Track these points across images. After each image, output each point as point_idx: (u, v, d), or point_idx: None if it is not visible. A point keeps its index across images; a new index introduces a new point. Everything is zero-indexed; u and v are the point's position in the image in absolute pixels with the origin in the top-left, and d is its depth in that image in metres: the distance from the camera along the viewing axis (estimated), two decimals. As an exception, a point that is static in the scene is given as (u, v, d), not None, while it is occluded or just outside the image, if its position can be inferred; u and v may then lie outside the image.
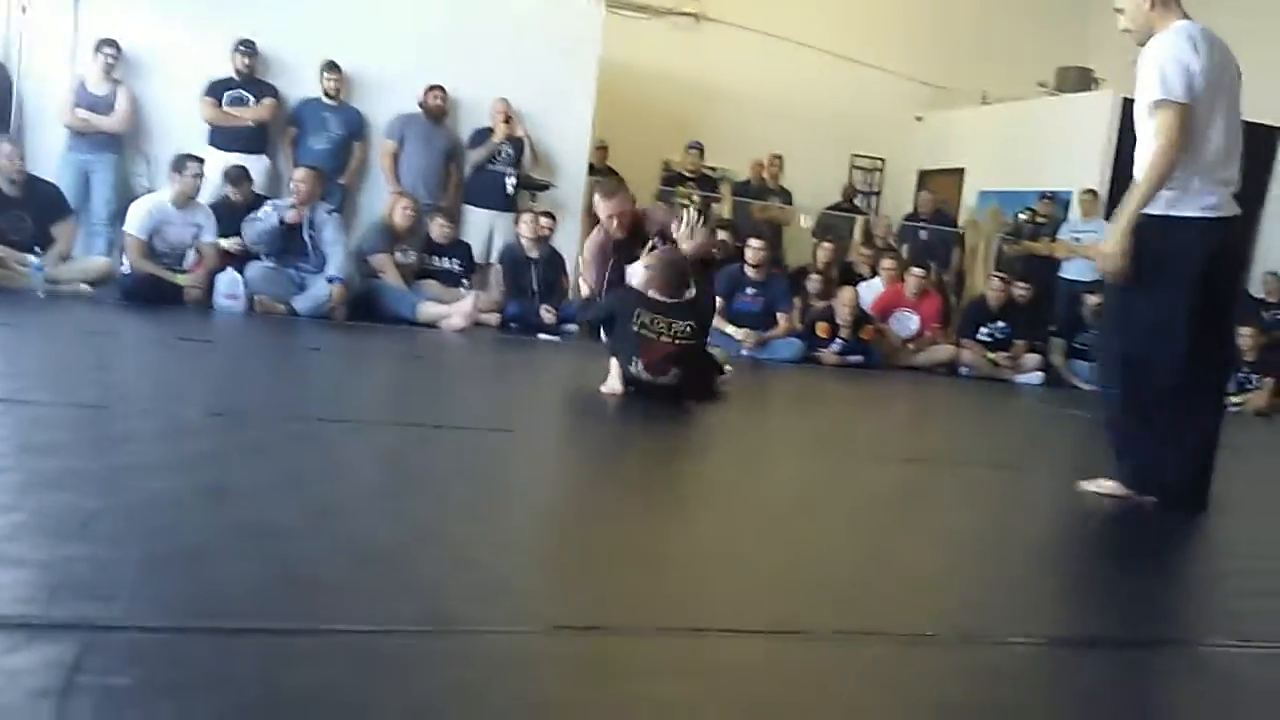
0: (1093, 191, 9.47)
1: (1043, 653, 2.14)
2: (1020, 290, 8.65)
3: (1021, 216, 10.09)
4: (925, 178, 11.68)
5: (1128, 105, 4.21)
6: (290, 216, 6.66)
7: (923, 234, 10.42)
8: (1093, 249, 4.55)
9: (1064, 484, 3.83)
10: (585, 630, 1.91)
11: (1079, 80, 11.06)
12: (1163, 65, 3.35)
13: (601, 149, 10.09)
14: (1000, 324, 8.55)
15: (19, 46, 7.46)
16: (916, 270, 8.69)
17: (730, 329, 7.69)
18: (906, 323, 8.57)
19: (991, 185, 11.02)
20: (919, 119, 12.16)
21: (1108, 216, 9.31)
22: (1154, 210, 3.38)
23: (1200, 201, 3.38)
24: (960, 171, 11.64)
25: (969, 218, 10.80)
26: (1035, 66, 11.64)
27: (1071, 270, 9.38)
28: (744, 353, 7.63)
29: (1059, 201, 9.96)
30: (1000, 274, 8.90)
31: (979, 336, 8.55)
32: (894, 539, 2.99)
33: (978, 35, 12.06)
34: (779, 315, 8.01)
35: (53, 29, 7.45)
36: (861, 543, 2.91)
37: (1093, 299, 8.51)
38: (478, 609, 1.95)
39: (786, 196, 10.51)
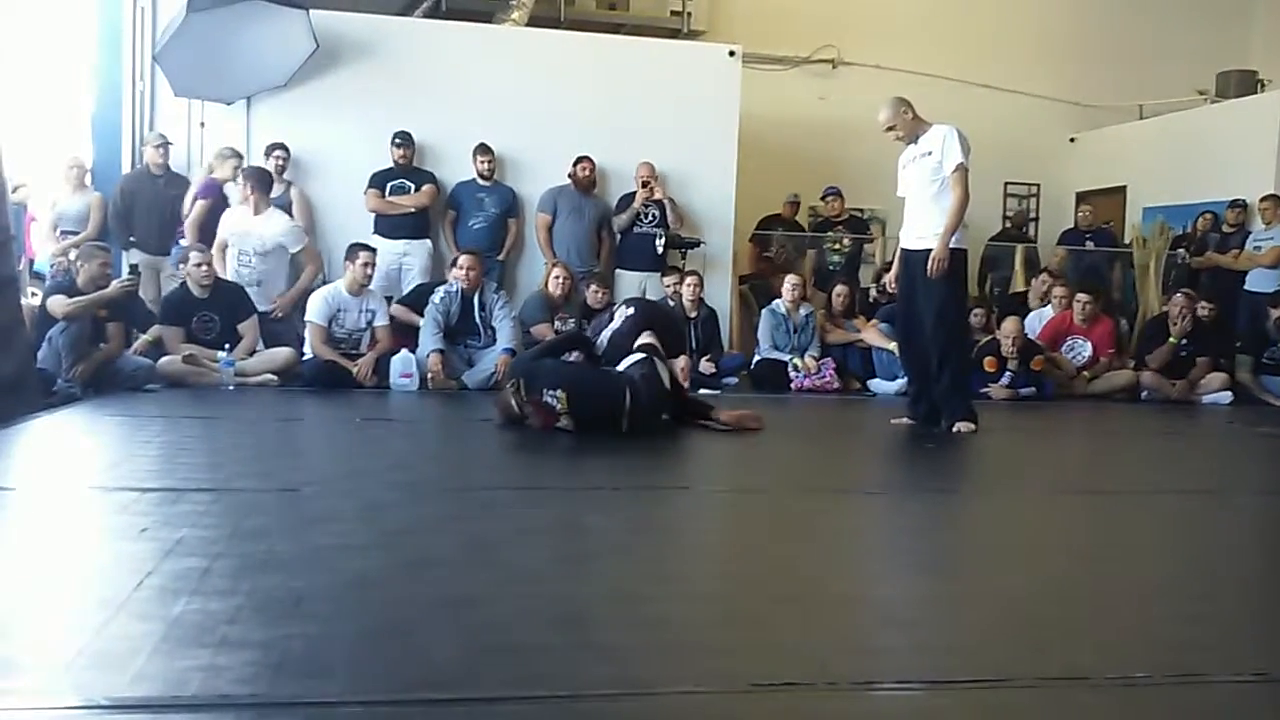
0: (1275, 197, 8.98)
1: (1264, 690, 2.02)
2: (1203, 308, 8.25)
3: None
4: (1083, 199, 11.30)
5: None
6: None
7: (1089, 244, 10.11)
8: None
9: (1265, 508, 3.62)
10: (780, 687, 1.89)
11: (1242, 84, 10.55)
12: (959, 143, 5.41)
13: (793, 204, 10.13)
14: (1182, 341, 8.16)
15: (199, 159, 8.05)
16: (1082, 296, 8.33)
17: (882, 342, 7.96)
18: (1080, 350, 8.27)
19: (1156, 201, 10.57)
20: (1073, 140, 11.80)
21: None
22: (952, 245, 5.41)
23: (963, 239, 5.56)
24: (1122, 190, 11.21)
25: (1135, 235, 10.37)
26: (1193, 74, 11.16)
27: (1255, 282, 8.89)
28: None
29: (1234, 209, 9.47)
30: (1187, 290, 8.48)
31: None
32: (1091, 576, 2.88)
33: (1127, 47, 11.65)
34: None
35: (227, 141, 7.99)
36: (1057, 581, 2.80)
37: (1276, 311, 8.05)
38: (672, 669, 1.97)
39: None
